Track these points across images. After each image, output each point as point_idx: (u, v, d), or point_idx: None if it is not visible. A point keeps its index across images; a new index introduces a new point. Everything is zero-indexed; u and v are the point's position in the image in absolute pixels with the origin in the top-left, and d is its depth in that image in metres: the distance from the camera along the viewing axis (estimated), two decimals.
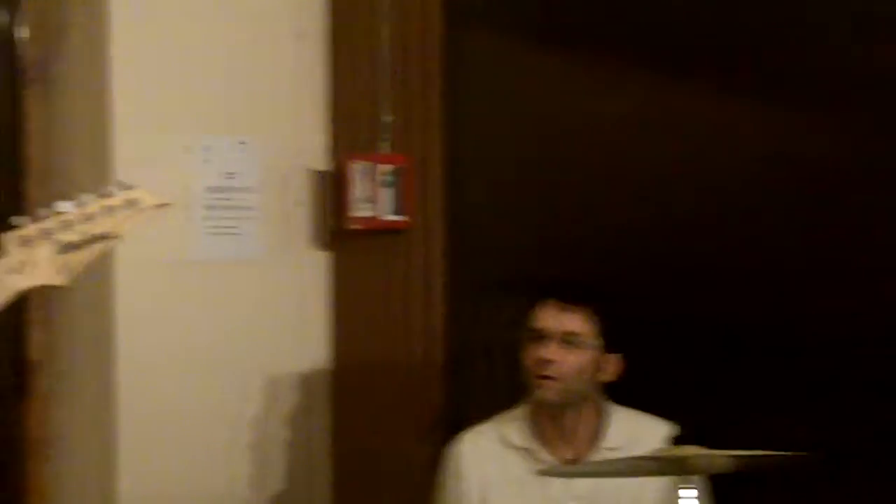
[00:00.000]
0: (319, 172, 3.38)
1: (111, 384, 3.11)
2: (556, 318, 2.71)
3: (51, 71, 3.19)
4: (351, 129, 3.37)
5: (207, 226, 3.17)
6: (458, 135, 3.29)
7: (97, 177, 3.09)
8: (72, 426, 3.24)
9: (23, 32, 3.15)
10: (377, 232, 3.30)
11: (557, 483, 2.67)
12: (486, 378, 3.28)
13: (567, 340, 2.68)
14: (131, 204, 1.62)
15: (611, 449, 2.69)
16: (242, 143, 3.25)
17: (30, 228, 1.59)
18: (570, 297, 2.72)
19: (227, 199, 3.20)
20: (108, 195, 1.62)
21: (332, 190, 3.37)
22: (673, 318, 3.01)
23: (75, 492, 3.24)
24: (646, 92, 3.15)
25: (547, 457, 2.72)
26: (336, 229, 3.36)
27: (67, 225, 1.60)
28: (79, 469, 3.24)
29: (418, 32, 3.27)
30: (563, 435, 2.73)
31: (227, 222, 3.21)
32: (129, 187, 1.62)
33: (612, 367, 2.73)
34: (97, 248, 1.61)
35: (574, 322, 2.70)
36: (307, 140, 3.38)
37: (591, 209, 3.19)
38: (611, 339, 2.70)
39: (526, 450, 2.74)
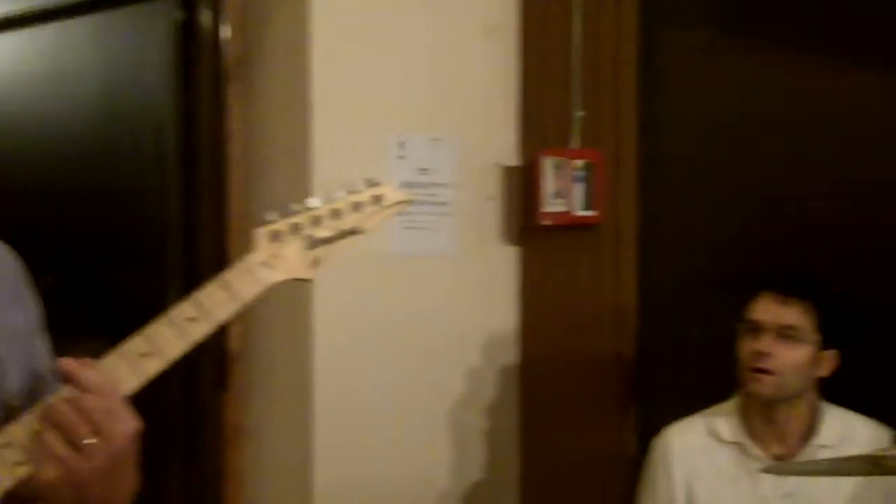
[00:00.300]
0: (510, 168, 3.40)
1: (308, 376, 3.16)
2: (773, 311, 2.67)
3: (252, 70, 3.26)
4: (542, 124, 3.38)
5: (403, 221, 3.20)
6: (650, 129, 3.28)
7: (296, 174, 3.16)
8: (269, 416, 3.30)
9: (226, 32, 3.21)
10: (568, 227, 3.31)
11: (767, 479, 2.65)
12: (678, 373, 3.26)
13: (784, 334, 2.64)
14: (377, 200, 1.65)
15: (822, 447, 2.65)
16: (436, 139, 3.28)
17: (280, 223, 1.62)
18: (789, 289, 2.68)
19: (421, 195, 3.23)
20: (356, 191, 1.65)
21: (522, 185, 3.39)
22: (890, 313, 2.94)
23: (272, 480, 3.30)
24: (842, 86, 3.10)
25: (758, 452, 2.69)
26: (526, 224, 3.38)
27: (316, 220, 1.62)
28: (275, 458, 3.30)
29: (611, 26, 3.27)
30: (774, 431, 2.70)
31: (422, 218, 3.24)
32: (375, 183, 1.65)
33: (828, 363, 2.69)
34: (344, 243, 1.64)
35: (792, 315, 2.66)
36: (498, 136, 3.40)
37: (786, 202, 3.15)
38: (829, 335, 2.66)
39: (737, 444, 2.72)
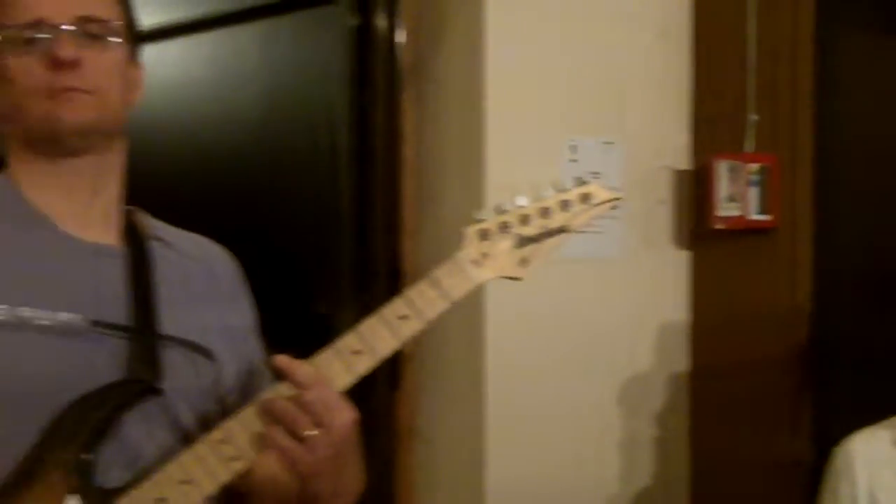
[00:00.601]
0: (681, 171, 3.38)
1: (480, 377, 3.18)
2: None
3: (426, 74, 3.30)
4: (715, 128, 3.35)
5: None
6: (827, 133, 3.22)
7: (469, 176, 3.19)
8: (440, 417, 3.33)
9: (400, 37, 3.25)
10: (741, 232, 3.26)
11: None
12: (856, 377, 3.20)
13: None
14: (585, 198, 1.66)
15: None
16: (608, 143, 3.28)
17: (489, 222, 1.64)
18: None
19: None
20: (564, 189, 1.65)
21: (694, 189, 3.36)
22: None
23: (443, 481, 3.34)
24: None
25: None
26: (698, 229, 3.36)
27: (525, 219, 1.64)
28: (446, 459, 3.33)
29: (788, 30, 3.22)
30: None
31: (593, 221, 3.23)
32: (583, 182, 1.65)
33: None
34: (552, 242, 1.65)
35: None
36: (670, 139, 3.39)
37: None
38: None
39: None
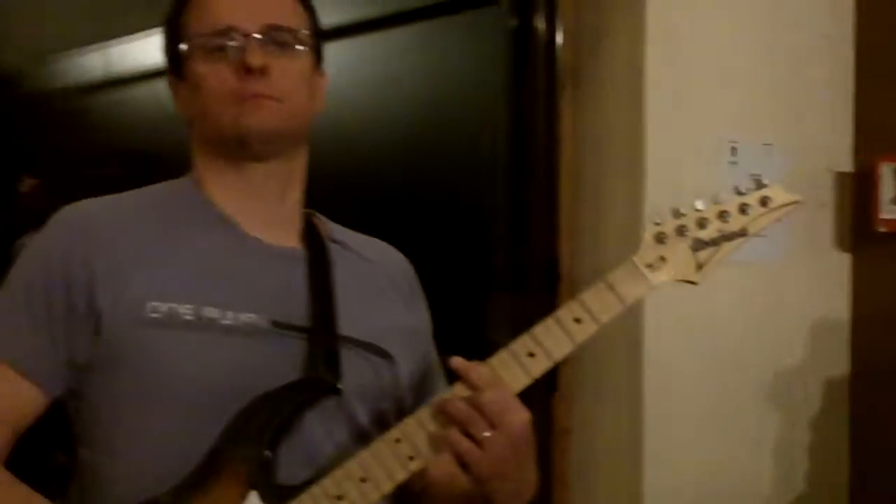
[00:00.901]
0: (843, 174, 3.35)
1: (637, 380, 3.17)
2: None
3: (585, 75, 3.30)
4: (879, 131, 3.33)
5: None
6: None
7: (628, 177, 3.18)
8: (595, 419, 3.33)
9: (560, 38, 3.27)
10: None
11: None
12: None
13: None
14: (765, 201, 1.65)
15: None
16: (768, 145, 3.25)
17: (666, 225, 1.64)
18: None
19: None
20: (743, 192, 1.65)
21: (855, 192, 3.33)
22: None
23: (598, 483, 3.33)
24: None
25: None
26: (860, 231, 3.33)
27: (702, 222, 1.63)
28: (602, 461, 3.32)
29: None
30: None
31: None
32: (763, 185, 1.64)
33: None
34: (729, 245, 1.65)
35: None
36: (832, 142, 3.37)
37: None
38: None
39: None
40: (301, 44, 1.74)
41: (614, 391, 3.28)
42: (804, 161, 3.32)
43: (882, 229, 3.24)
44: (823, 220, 3.37)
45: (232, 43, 1.69)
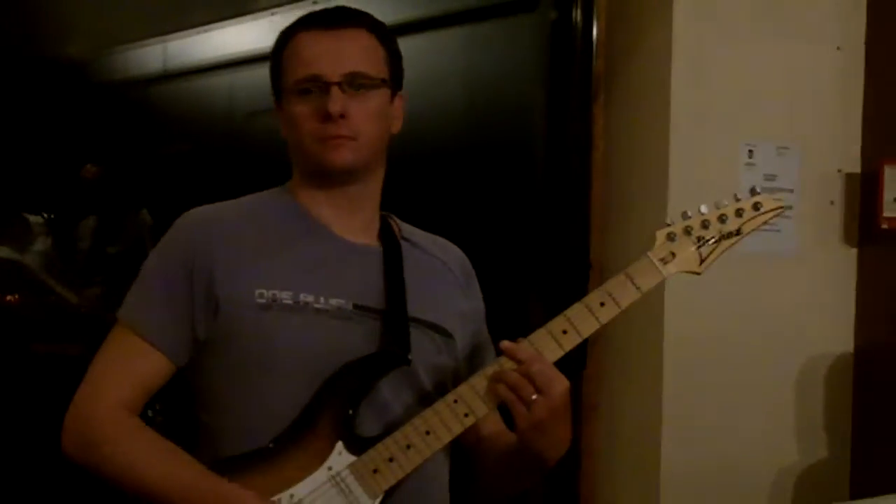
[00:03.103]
0: (851, 175, 3.62)
1: (658, 362, 3.46)
2: None
3: (615, 85, 3.60)
4: (884, 136, 3.58)
5: None
6: None
7: (653, 176, 3.47)
8: (621, 397, 3.61)
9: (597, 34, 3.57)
10: None
11: None
12: None
13: None
14: (756, 206, 1.97)
15: None
16: (783, 148, 3.53)
17: (676, 226, 1.97)
18: None
19: None
20: (739, 199, 1.97)
21: (862, 192, 3.59)
22: None
23: (623, 456, 3.61)
24: None
25: None
26: (866, 229, 3.59)
27: (706, 224, 1.96)
28: (626, 436, 3.61)
29: None
30: None
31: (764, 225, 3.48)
32: (755, 192, 1.97)
33: None
34: (726, 243, 1.97)
35: None
36: (842, 145, 3.62)
37: None
38: None
39: None
40: (378, 86, 2.05)
41: (639, 372, 3.57)
42: (815, 163, 3.59)
43: (886, 227, 3.51)
44: (832, 218, 3.63)
45: (316, 89, 2.01)
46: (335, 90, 2.00)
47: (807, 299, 3.60)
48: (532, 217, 3.74)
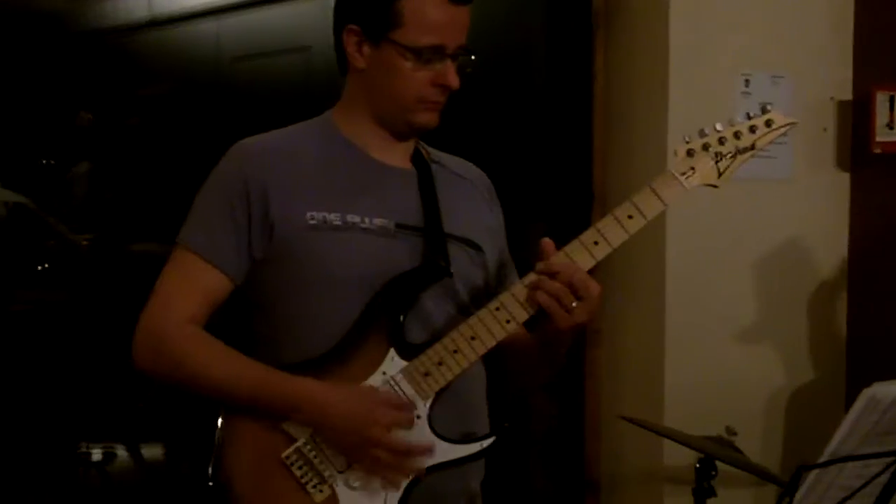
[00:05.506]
0: (843, 102, 3.75)
1: (661, 283, 3.58)
2: None
3: (614, 18, 3.71)
4: (875, 63, 3.71)
5: None
6: None
7: (653, 108, 3.58)
8: (623, 319, 3.74)
9: None
10: None
11: None
12: None
13: None
14: (769, 123, 2.09)
15: None
16: (777, 77, 3.66)
17: (694, 142, 2.09)
18: None
19: None
20: (752, 116, 2.10)
21: (855, 118, 3.73)
22: None
23: (626, 377, 3.74)
24: None
25: None
26: (858, 153, 3.72)
27: (721, 140, 2.09)
28: (629, 357, 3.74)
29: None
30: None
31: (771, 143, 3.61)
32: (767, 110, 2.09)
33: None
34: (741, 158, 2.10)
35: None
36: (834, 73, 3.76)
37: None
38: None
39: None
40: (469, 60, 2.16)
41: (641, 295, 3.69)
42: (808, 91, 3.72)
43: (878, 151, 3.65)
44: (825, 144, 3.77)
45: (437, 58, 2.09)
46: (451, 64, 2.11)
47: (802, 221, 3.75)
48: (535, 149, 3.86)
